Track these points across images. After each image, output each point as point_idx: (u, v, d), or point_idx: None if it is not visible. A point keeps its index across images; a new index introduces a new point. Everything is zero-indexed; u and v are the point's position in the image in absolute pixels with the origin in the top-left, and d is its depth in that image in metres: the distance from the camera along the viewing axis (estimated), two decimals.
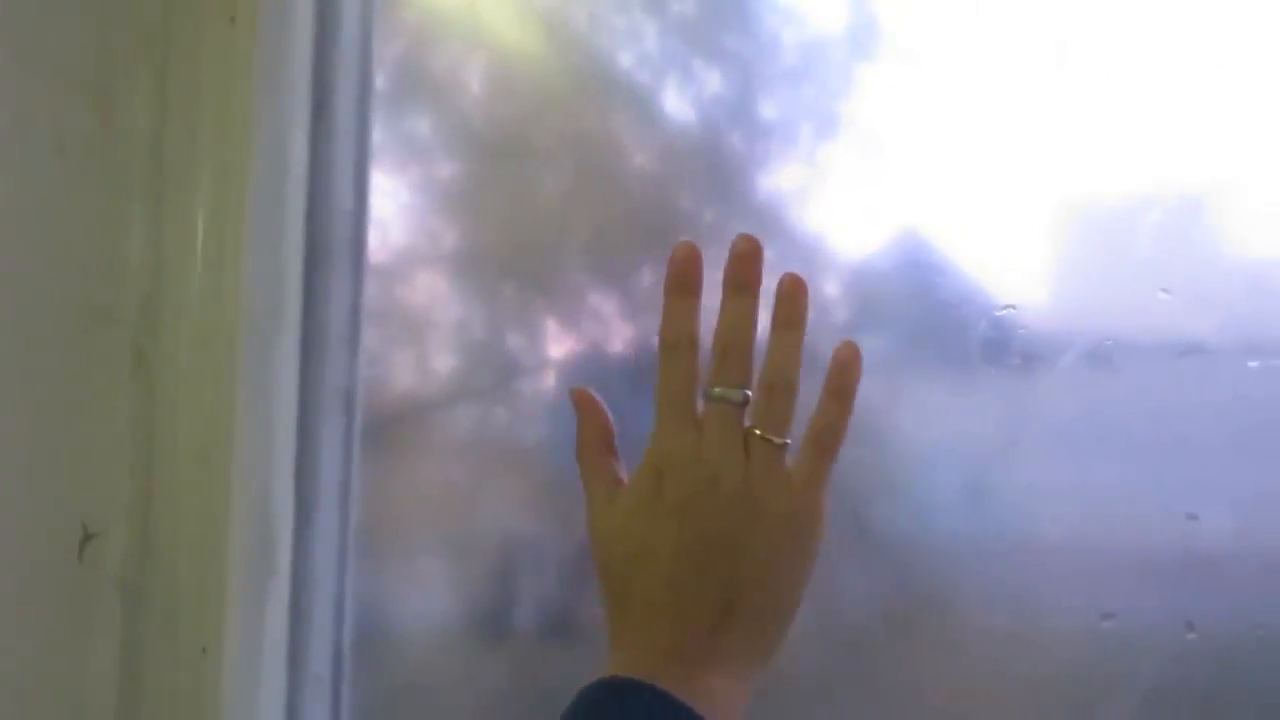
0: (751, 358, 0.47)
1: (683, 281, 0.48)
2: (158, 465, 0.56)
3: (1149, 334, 0.55)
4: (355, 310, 0.60)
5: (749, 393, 0.47)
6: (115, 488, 0.56)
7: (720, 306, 0.48)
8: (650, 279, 0.59)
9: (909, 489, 0.56)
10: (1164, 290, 0.55)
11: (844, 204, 0.58)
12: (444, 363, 0.60)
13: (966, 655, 0.55)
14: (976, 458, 0.56)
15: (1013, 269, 0.57)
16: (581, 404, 0.50)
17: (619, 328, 0.60)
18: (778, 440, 0.46)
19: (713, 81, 0.58)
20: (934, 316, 0.57)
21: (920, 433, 0.56)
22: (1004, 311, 0.56)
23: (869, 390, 0.55)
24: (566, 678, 0.44)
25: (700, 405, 0.47)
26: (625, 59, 0.58)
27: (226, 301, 0.55)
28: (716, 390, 0.47)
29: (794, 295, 0.48)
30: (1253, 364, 0.55)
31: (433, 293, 0.59)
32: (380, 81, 0.59)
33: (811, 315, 0.55)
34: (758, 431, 0.46)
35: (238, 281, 0.55)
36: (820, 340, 0.57)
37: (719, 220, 0.58)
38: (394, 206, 0.59)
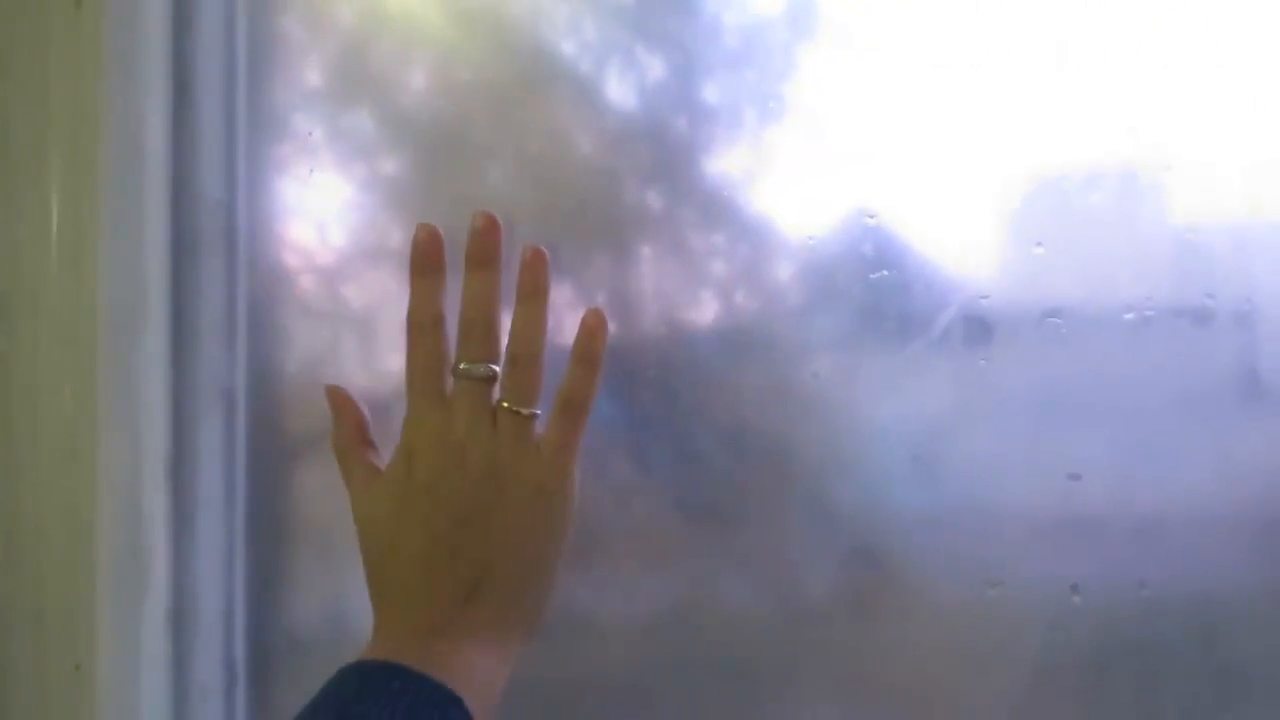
0: (497, 332, 0.48)
1: (425, 262, 0.49)
2: (19, 472, 0.54)
3: (1093, 305, 0.55)
4: (232, 304, 0.58)
5: (495, 367, 0.47)
6: None
7: (463, 284, 0.48)
8: (602, 268, 0.59)
9: (860, 465, 0.57)
10: (1108, 265, 0.57)
11: (792, 186, 0.58)
12: (392, 360, 0.59)
13: (921, 627, 0.56)
14: (931, 434, 0.56)
15: (960, 246, 0.57)
16: (334, 400, 0.51)
17: (570, 318, 0.60)
18: (525, 411, 0.47)
19: (655, 67, 0.57)
20: (884, 295, 0.57)
21: (872, 410, 0.57)
22: (956, 288, 0.57)
23: (823, 370, 0.57)
24: None
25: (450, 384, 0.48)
26: (567, 48, 0.57)
27: (85, 296, 0.52)
28: (462, 367, 0.47)
29: (534, 266, 0.49)
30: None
31: (382, 291, 0.58)
32: (318, 79, 0.57)
33: (764, 299, 0.56)
34: (505, 404, 0.47)
35: (95, 275, 0.52)
36: (776, 326, 0.58)
37: (667, 206, 0.58)
38: (337, 205, 0.57)
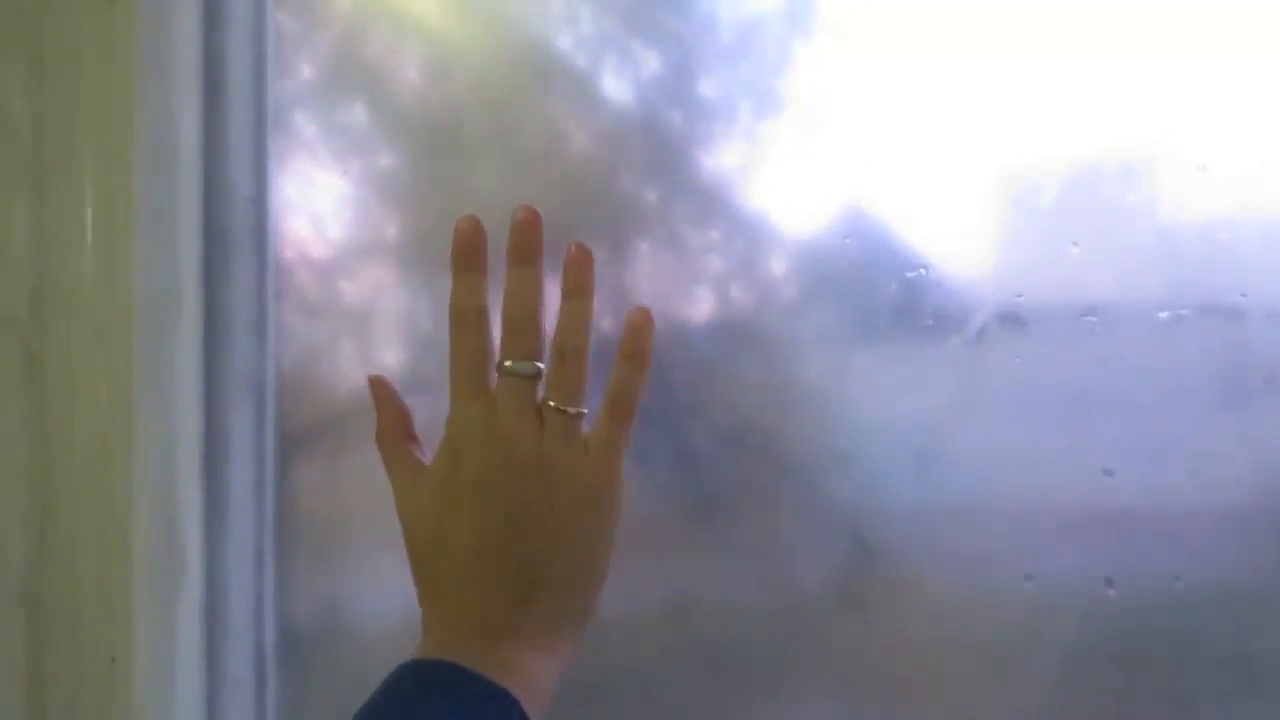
0: (541, 329, 0.47)
1: (467, 255, 0.48)
2: (54, 468, 0.54)
3: (1091, 298, 0.55)
4: (262, 298, 0.58)
5: (540, 365, 0.47)
6: (10, 494, 0.54)
7: (506, 279, 0.48)
8: (598, 263, 0.59)
9: (858, 460, 0.55)
10: (1103, 259, 0.56)
11: (787, 180, 0.58)
12: (391, 356, 0.59)
13: (916, 621, 0.55)
14: (927, 429, 0.55)
15: (957, 240, 0.57)
16: (377, 391, 0.51)
17: None
18: (571, 410, 0.46)
19: (651, 62, 0.58)
20: (880, 289, 0.56)
21: (868, 404, 0.56)
22: (950, 282, 0.56)
23: (818, 363, 0.55)
24: None
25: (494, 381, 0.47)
26: (563, 42, 0.58)
27: (119, 293, 0.53)
28: (507, 364, 0.47)
29: (580, 262, 0.49)
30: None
31: (377, 285, 0.59)
32: (312, 73, 0.58)
33: (759, 293, 0.55)
34: (551, 402, 0.46)
35: (129, 272, 0.53)
36: (769, 321, 0.57)
37: (662, 201, 0.58)
38: (332, 199, 0.59)
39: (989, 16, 0.56)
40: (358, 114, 0.58)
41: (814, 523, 0.55)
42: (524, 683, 0.43)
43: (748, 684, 0.55)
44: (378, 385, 0.51)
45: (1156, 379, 0.55)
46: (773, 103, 0.58)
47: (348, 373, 0.59)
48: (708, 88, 0.58)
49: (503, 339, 0.48)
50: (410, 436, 0.51)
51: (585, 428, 0.49)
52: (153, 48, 0.54)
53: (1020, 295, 0.56)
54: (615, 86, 0.58)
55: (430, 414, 0.61)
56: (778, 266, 0.57)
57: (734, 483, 0.56)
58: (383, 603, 0.59)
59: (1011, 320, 0.55)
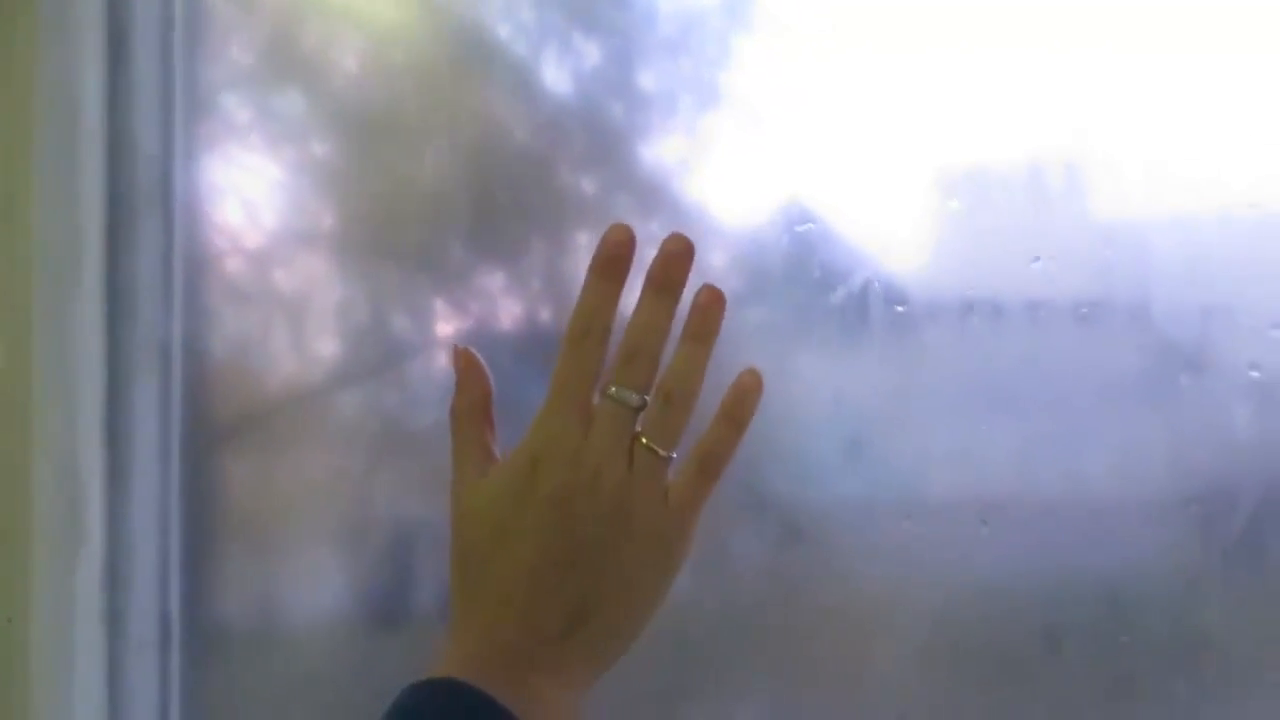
0: (659, 364, 0.45)
1: (611, 265, 0.45)
2: None
3: (1023, 296, 0.56)
4: (168, 260, 0.57)
5: (647, 399, 0.45)
6: None
7: (637, 304, 0.45)
8: (537, 255, 0.59)
9: (795, 454, 0.56)
10: (1038, 256, 0.57)
11: (727, 174, 0.58)
12: (325, 346, 0.58)
13: (854, 617, 0.55)
14: (862, 421, 0.56)
15: (895, 236, 0.57)
16: (463, 366, 0.47)
17: (506, 305, 0.60)
18: (663, 453, 0.44)
19: (591, 53, 0.58)
20: (819, 284, 0.57)
21: (803, 398, 0.56)
22: (887, 277, 0.57)
23: (757, 359, 0.56)
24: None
25: (595, 400, 0.45)
26: (503, 31, 0.58)
27: (19, 252, 0.52)
28: (614, 390, 0.44)
29: (710, 308, 0.46)
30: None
31: (311, 275, 0.58)
32: (249, 59, 0.57)
33: (698, 286, 0.55)
34: (644, 440, 0.44)
35: (29, 231, 0.52)
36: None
37: (601, 193, 0.58)
38: (265, 186, 0.58)
39: (928, 14, 0.57)
40: (293, 100, 0.57)
41: (748, 511, 0.56)
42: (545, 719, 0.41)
43: (682, 670, 0.55)
44: (463, 357, 0.47)
45: (1085, 372, 0.55)
46: (713, 96, 0.58)
47: (279, 361, 0.58)
48: (648, 80, 0.58)
49: (617, 364, 0.45)
50: (488, 419, 0.47)
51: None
52: (53, 6, 0.53)
53: (969, 290, 0.56)
54: (555, 77, 0.58)
55: (362, 407, 0.60)
56: (717, 259, 0.57)
57: None
58: (290, 570, 0.58)
59: (947, 316, 0.56)
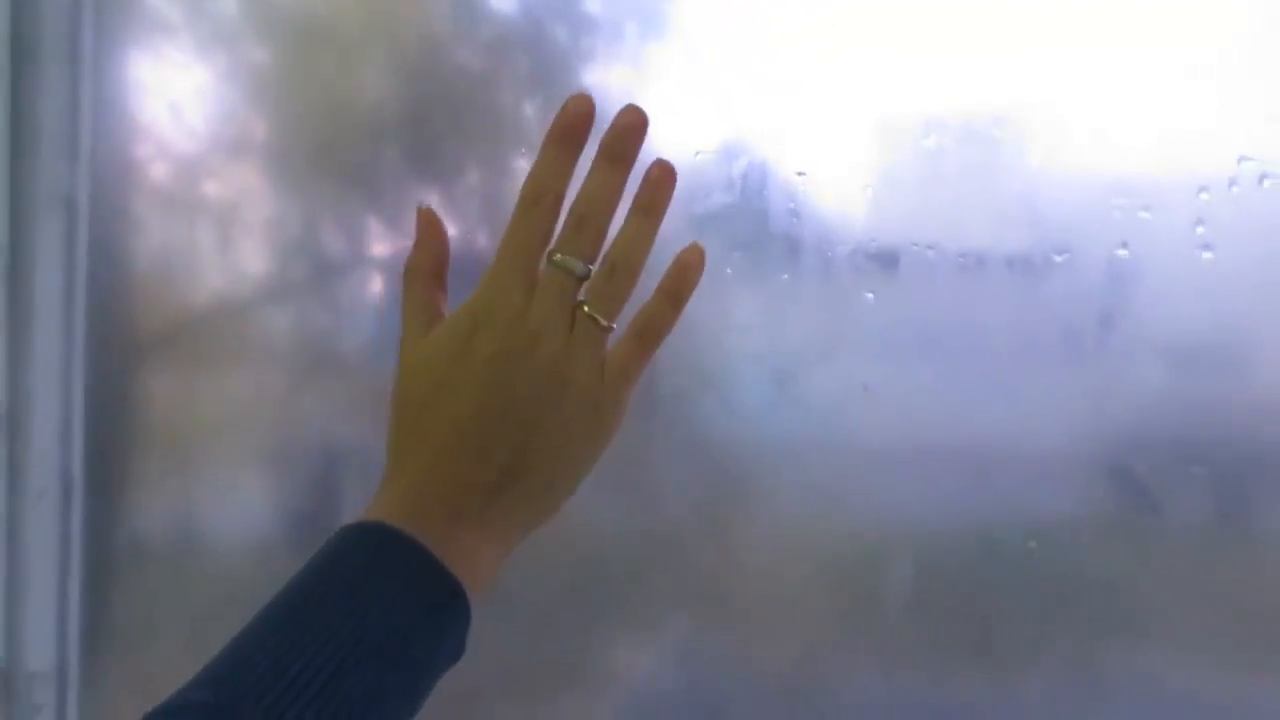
0: (604, 235, 0.45)
1: (568, 134, 0.45)
2: None
3: (958, 243, 0.57)
4: (74, 111, 0.56)
5: (591, 268, 0.45)
6: None
7: (588, 174, 0.45)
8: (475, 177, 0.58)
9: (726, 390, 0.56)
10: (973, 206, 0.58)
11: (669, 106, 0.57)
12: (254, 258, 0.57)
13: (773, 550, 0.56)
14: (790, 359, 0.57)
15: (834, 178, 0.58)
16: (424, 222, 0.47)
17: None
18: (604, 322, 0.45)
19: None
20: (757, 222, 0.57)
21: (737, 335, 0.57)
22: (823, 219, 0.57)
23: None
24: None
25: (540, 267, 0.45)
26: None
27: None
28: (558, 257, 0.44)
29: (661, 182, 0.46)
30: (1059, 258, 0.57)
31: (243, 186, 0.56)
32: None
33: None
34: (586, 309, 0.45)
35: None
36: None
37: (542, 115, 0.57)
38: (194, 90, 0.56)
39: None
40: (226, 3, 0.55)
41: (680, 448, 0.56)
42: (473, 575, 0.42)
43: (605, 600, 0.56)
44: (425, 216, 0.48)
45: (1015, 324, 0.57)
46: (659, 26, 0.57)
47: (206, 269, 0.57)
48: (594, 5, 0.57)
49: (563, 232, 0.45)
50: (439, 282, 0.48)
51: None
52: None
53: (894, 237, 0.57)
54: None
55: (294, 322, 0.59)
56: None
57: None
58: (193, 423, 0.58)
59: (879, 261, 0.57)
